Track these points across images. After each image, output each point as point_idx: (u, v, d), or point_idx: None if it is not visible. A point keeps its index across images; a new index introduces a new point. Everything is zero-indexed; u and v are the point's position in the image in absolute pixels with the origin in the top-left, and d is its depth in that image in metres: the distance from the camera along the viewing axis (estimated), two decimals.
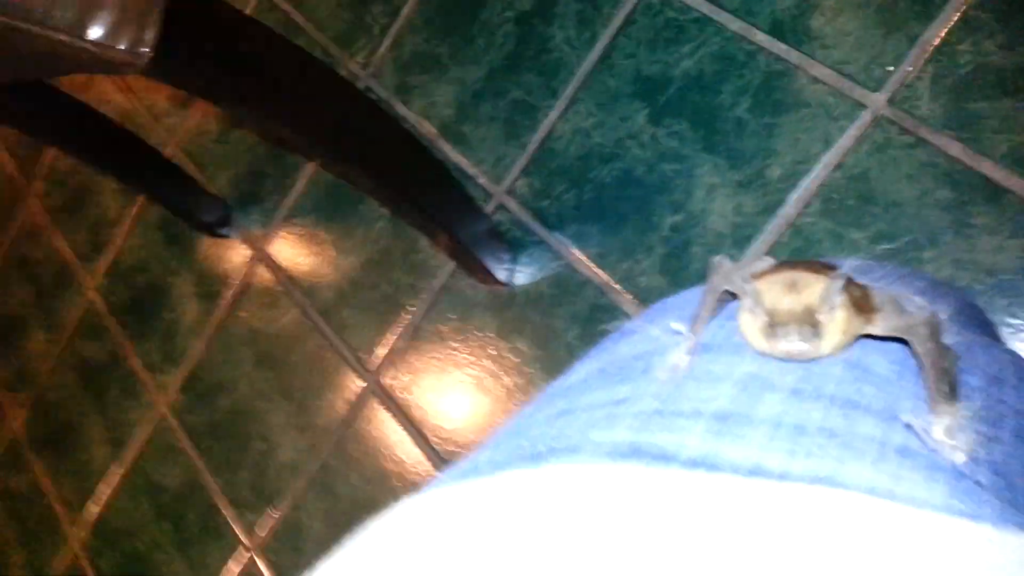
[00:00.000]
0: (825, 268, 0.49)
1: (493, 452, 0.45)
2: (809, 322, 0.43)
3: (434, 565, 0.35)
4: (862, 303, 0.46)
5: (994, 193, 1.03)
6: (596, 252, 1.37)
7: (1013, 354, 0.51)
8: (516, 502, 0.37)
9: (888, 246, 1.10)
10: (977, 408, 0.39)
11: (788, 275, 0.48)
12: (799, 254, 1.16)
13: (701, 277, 1.32)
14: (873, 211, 1.12)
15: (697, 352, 0.49)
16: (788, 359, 0.44)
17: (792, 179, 1.19)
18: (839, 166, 1.15)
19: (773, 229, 1.20)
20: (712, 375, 0.45)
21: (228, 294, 1.91)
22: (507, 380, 1.44)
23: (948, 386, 0.41)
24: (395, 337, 1.62)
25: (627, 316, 1.31)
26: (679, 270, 1.27)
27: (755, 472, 0.36)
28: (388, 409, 1.60)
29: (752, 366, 0.46)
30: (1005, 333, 0.99)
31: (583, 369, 0.53)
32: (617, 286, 1.33)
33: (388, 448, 1.58)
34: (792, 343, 0.42)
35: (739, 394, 0.43)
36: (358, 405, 1.65)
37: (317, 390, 1.73)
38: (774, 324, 0.43)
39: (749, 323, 0.45)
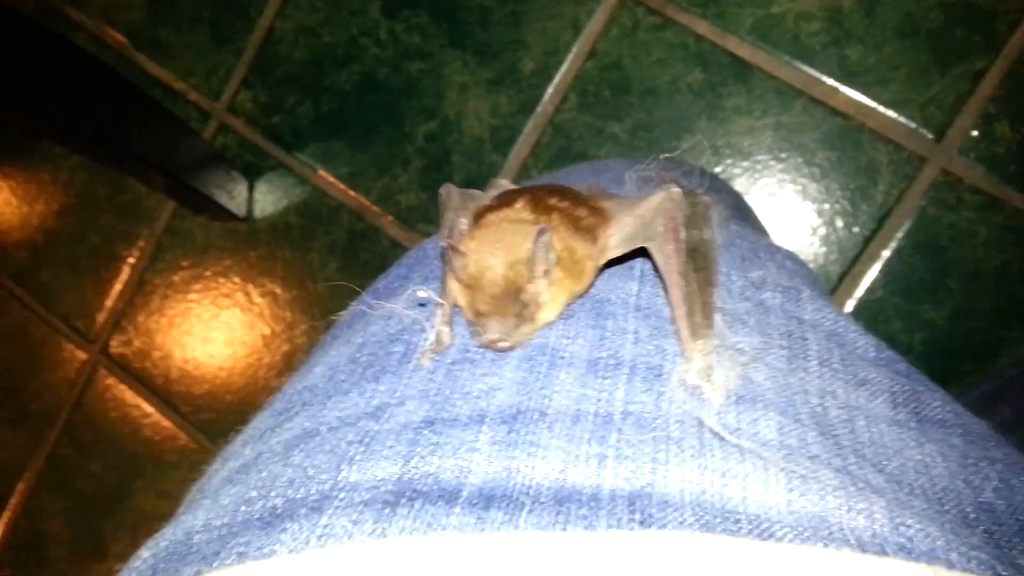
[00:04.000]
0: (553, 196, 0.40)
1: (210, 510, 0.33)
2: (512, 310, 0.35)
3: None
4: (592, 224, 0.38)
5: (742, 71, 1.02)
6: (346, 172, 1.20)
7: (786, 252, 0.46)
8: None
9: (646, 135, 1.07)
10: (727, 336, 0.33)
11: (496, 230, 0.38)
12: (562, 153, 1.10)
13: (465, 188, 1.17)
14: (629, 101, 1.07)
15: (460, 318, 0.38)
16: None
17: (546, 72, 1.10)
18: (591, 55, 1.08)
19: (532, 129, 1.11)
20: (489, 356, 0.36)
21: None
22: (264, 328, 1.26)
23: (699, 306, 0.34)
24: (116, 295, 1.35)
25: (390, 240, 1.18)
26: (440, 183, 1.15)
27: (562, 500, 0.27)
28: (123, 381, 1.36)
29: None
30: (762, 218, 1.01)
31: (329, 357, 0.41)
32: (375, 208, 1.19)
33: (132, 426, 1.35)
34: (490, 338, 0.34)
35: (527, 377, 0.34)
36: (84, 382, 1.38)
37: (27, 371, 1.42)
38: (476, 313, 0.35)
39: (460, 296, 0.37)
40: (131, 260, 1.34)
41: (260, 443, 0.36)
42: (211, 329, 1.30)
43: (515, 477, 0.28)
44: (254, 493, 0.32)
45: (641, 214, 0.37)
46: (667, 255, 0.35)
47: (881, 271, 0.97)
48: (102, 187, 1.35)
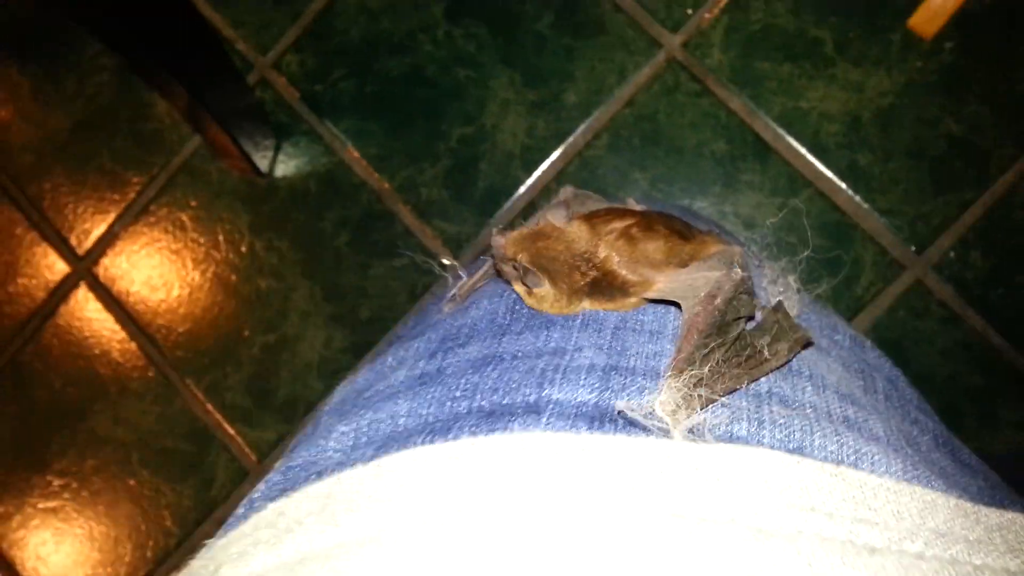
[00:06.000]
0: (646, 228, 0.45)
1: (412, 401, 0.37)
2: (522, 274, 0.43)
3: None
4: (655, 262, 0.43)
5: (762, 152, 1.11)
6: (375, 153, 1.25)
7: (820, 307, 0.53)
8: (498, 477, 0.29)
9: (665, 188, 1.15)
10: (702, 373, 0.36)
11: (572, 231, 0.45)
12: (583, 185, 1.16)
13: (486, 197, 1.28)
14: (656, 153, 1.16)
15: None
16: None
17: (585, 108, 1.18)
18: (631, 103, 1.17)
19: (561, 156, 1.18)
20: (647, 329, 0.41)
21: None
22: (260, 282, 1.29)
23: (701, 360, 0.37)
24: (115, 218, 1.36)
25: (404, 227, 1.24)
26: (464, 185, 1.21)
27: (731, 441, 0.33)
28: (103, 303, 1.37)
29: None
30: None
31: (482, 304, 0.46)
32: (396, 194, 1.24)
33: (103, 348, 1.36)
34: (498, 250, 0.43)
35: (651, 343, 0.40)
36: (63, 295, 1.38)
37: (8, 270, 1.41)
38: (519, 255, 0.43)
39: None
40: (140, 188, 1.35)
41: (436, 361, 0.40)
42: (207, 272, 1.32)
43: (697, 423, 0.33)
44: (459, 394, 0.35)
45: (693, 278, 0.41)
46: (694, 314, 0.39)
47: None
48: (126, 110, 1.37)
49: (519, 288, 0.43)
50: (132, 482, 1.32)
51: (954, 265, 1.06)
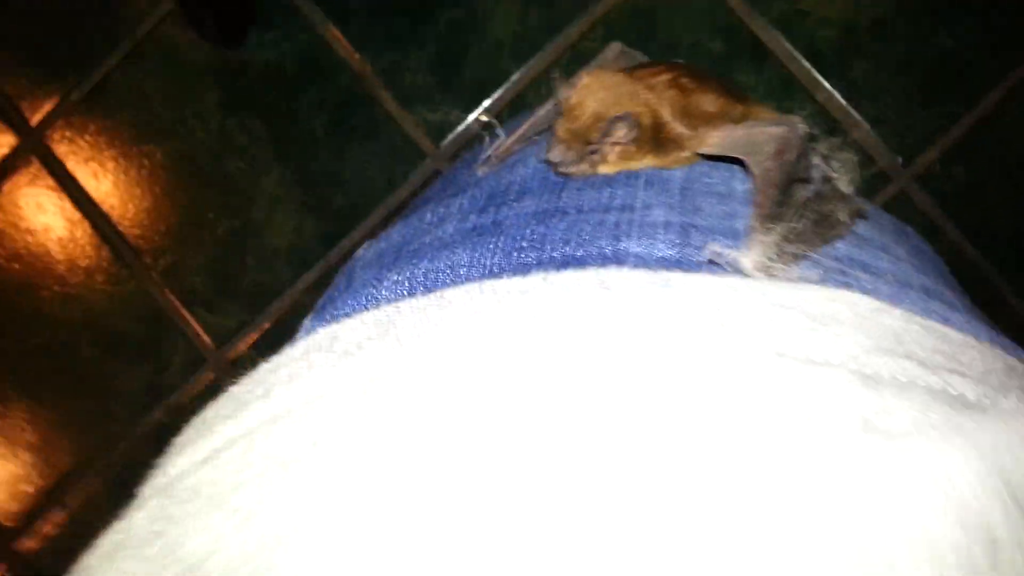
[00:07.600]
0: (695, 79, 0.43)
1: (472, 252, 0.34)
2: (578, 149, 0.40)
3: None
4: (706, 116, 0.41)
5: (758, 54, 1.10)
6: (357, 34, 1.19)
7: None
8: (578, 308, 0.27)
9: None
10: (790, 227, 0.36)
11: (613, 80, 0.42)
12: None
13: (473, 87, 1.23)
14: (651, 49, 1.13)
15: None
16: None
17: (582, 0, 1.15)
18: None
19: (554, 49, 1.15)
20: (715, 191, 0.40)
21: None
22: (228, 163, 1.23)
23: (780, 214, 0.37)
24: (73, 88, 1.28)
25: (385, 113, 1.19)
26: (452, 74, 1.16)
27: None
28: (54, 177, 1.28)
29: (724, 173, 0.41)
30: None
31: (529, 162, 0.43)
32: (377, 79, 1.19)
33: (52, 223, 1.28)
34: (549, 159, 0.40)
35: (721, 204, 0.38)
36: (10, 165, 1.29)
37: None
38: (556, 135, 0.40)
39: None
40: (101, 56, 1.27)
41: (489, 215, 0.38)
42: (170, 149, 1.25)
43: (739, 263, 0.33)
44: (525, 244, 0.33)
45: (756, 133, 0.39)
46: (766, 169, 0.37)
47: None
48: None
49: (616, 149, 0.40)
50: (80, 364, 1.25)
51: (938, 178, 1.07)
